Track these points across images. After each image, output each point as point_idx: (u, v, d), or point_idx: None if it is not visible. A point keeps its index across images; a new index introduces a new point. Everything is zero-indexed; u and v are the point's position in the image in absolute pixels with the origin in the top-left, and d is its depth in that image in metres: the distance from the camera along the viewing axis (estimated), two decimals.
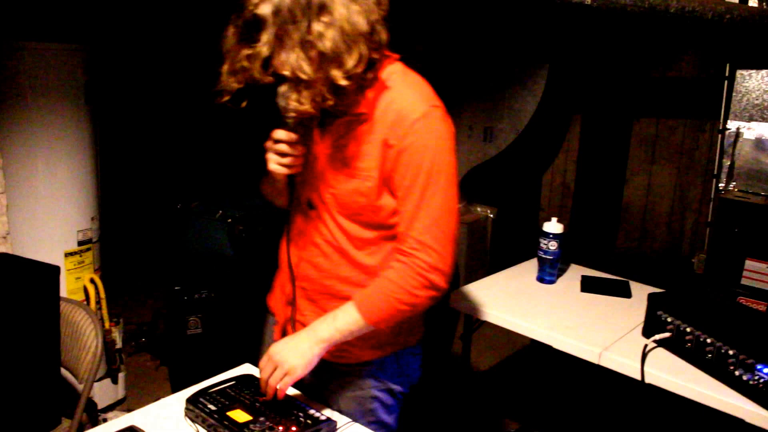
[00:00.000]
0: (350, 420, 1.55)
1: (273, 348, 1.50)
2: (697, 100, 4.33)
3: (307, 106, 1.34)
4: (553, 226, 2.48)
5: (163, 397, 1.64)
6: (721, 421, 1.81)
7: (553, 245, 2.48)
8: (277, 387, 1.47)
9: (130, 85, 4.19)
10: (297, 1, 1.29)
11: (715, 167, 3.43)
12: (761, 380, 1.69)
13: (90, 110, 2.80)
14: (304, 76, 1.31)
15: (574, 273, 2.67)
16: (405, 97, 1.44)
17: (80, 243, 2.80)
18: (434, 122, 1.44)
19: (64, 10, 2.81)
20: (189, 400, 1.51)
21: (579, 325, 2.20)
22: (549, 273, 2.54)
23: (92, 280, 2.86)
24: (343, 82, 1.33)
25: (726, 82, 3.39)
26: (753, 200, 3.17)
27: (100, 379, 2.99)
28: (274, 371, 1.47)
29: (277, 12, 1.29)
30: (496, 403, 3.46)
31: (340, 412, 1.60)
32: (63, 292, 2.68)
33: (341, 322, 1.48)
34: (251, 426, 1.41)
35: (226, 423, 1.42)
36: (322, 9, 1.30)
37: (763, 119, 3.20)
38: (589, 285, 2.53)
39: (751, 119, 3.23)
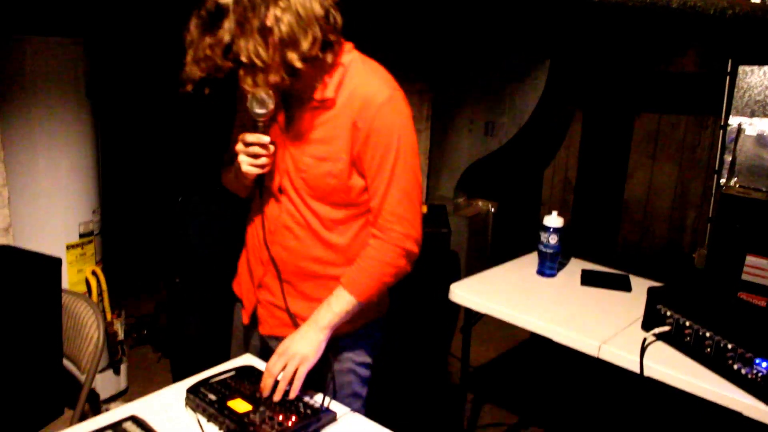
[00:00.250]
0: (349, 409, 1.56)
1: (280, 347, 1.56)
2: (699, 95, 4.32)
3: (262, 89, 1.42)
4: (553, 220, 2.48)
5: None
6: (720, 414, 1.81)
7: (553, 239, 2.49)
8: (294, 379, 1.52)
9: (130, 77, 4.19)
10: None
11: (717, 163, 3.43)
12: (759, 374, 1.70)
13: (91, 103, 2.81)
14: (259, 62, 1.38)
15: (575, 267, 2.68)
16: (369, 83, 1.55)
17: (82, 235, 2.81)
18: (398, 104, 1.56)
19: (63, 4, 2.81)
20: (189, 390, 1.52)
21: (578, 318, 2.20)
22: (549, 267, 2.55)
23: (94, 273, 2.87)
24: (299, 65, 1.40)
25: (728, 77, 3.39)
26: (754, 196, 3.17)
27: (102, 371, 3.00)
28: (284, 368, 1.52)
29: (238, 1, 1.36)
30: (495, 396, 3.47)
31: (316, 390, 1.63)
32: (65, 285, 2.70)
33: (337, 306, 1.58)
34: (251, 415, 1.42)
35: (226, 412, 1.43)
36: None
37: (765, 115, 3.20)
38: (589, 279, 2.54)
39: (752, 115, 3.23)
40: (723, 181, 3.32)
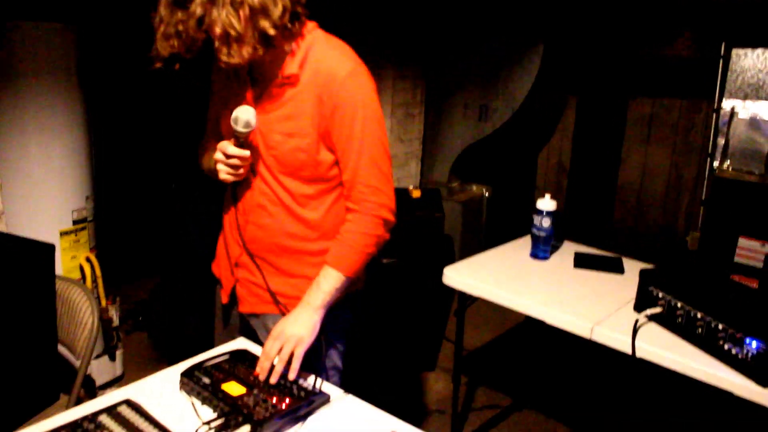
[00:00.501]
0: (343, 392, 1.57)
1: (275, 330, 1.57)
2: (692, 79, 4.33)
3: (237, 59, 1.45)
4: (546, 203, 2.49)
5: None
6: (710, 394, 1.83)
7: (546, 222, 2.50)
8: (292, 361, 1.53)
9: (123, 63, 4.17)
10: None
11: (710, 146, 3.44)
12: (749, 353, 1.71)
13: (82, 89, 2.79)
14: (233, 32, 1.41)
15: (568, 250, 2.69)
16: (332, 58, 1.59)
17: (75, 222, 2.81)
18: (361, 77, 1.59)
19: None
20: (184, 374, 1.53)
21: (571, 300, 2.21)
22: (542, 249, 2.56)
23: (88, 259, 2.87)
24: (272, 32, 1.45)
25: (721, 61, 3.39)
26: (747, 178, 3.19)
27: (98, 357, 3.01)
28: (280, 351, 1.53)
29: None
30: (489, 379, 3.49)
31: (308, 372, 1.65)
32: (59, 271, 2.69)
33: (326, 285, 1.61)
34: (245, 398, 1.43)
35: (220, 395, 1.43)
36: None
37: (758, 98, 3.21)
38: (582, 261, 2.55)
39: (746, 98, 3.23)
40: (716, 164, 3.34)
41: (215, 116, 1.81)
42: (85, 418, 1.33)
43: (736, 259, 3.16)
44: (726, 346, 1.78)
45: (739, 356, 1.75)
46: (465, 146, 4.66)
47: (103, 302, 2.95)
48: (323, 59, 1.58)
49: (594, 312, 2.12)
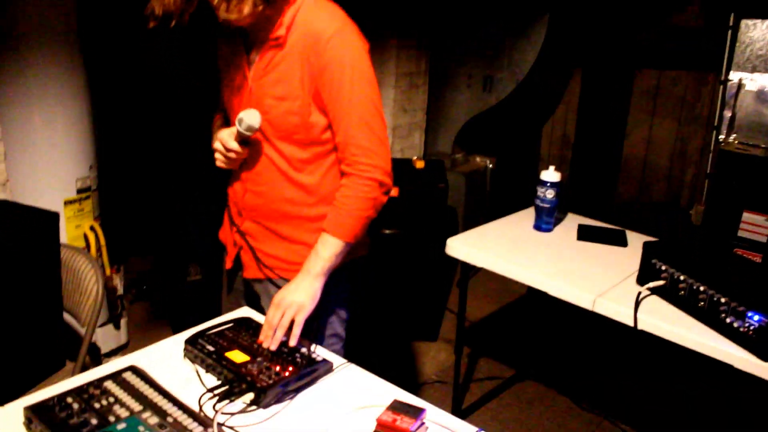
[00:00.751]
0: (345, 361, 1.58)
1: (276, 297, 1.58)
2: (699, 51, 4.28)
3: (236, 15, 1.47)
4: (550, 175, 2.48)
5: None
6: (712, 367, 1.84)
7: (550, 193, 2.49)
8: (293, 329, 1.54)
9: (125, 30, 4.13)
10: None
11: (716, 119, 3.41)
12: (751, 327, 1.72)
13: (84, 58, 2.77)
14: None
15: (571, 222, 2.69)
16: (319, 18, 1.58)
17: (79, 191, 2.81)
18: (348, 37, 1.58)
19: None
20: (188, 341, 1.54)
21: (574, 272, 2.22)
22: (546, 221, 2.56)
23: (92, 228, 2.87)
24: None
25: (729, 32, 3.34)
26: (753, 152, 3.17)
27: (102, 325, 3.04)
28: (281, 319, 1.54)
29: None
30: (491, 350, 3.51)
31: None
32: (63, 240, 2.70)
33: (325, 252, 1.61)
34: (248, 366, 1.44)
35: (224, 363, 1.45)
36: None
37: (766, 70, 3.17)
38: (585, 233, 2.55)
39: (754, 70, 3.19)
40: (722, 137, 3.31)
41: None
42: (90, 384, 1.34)
43: (740, 233, 3.16)
44: (728, 320, 1.79)
45: (741, 330, 1.75)
46: (469, 117, 4.63)
47: (108, 271, 2.96)
48: (310, 21, 1.58)
49: (597, 284, 2.12)
